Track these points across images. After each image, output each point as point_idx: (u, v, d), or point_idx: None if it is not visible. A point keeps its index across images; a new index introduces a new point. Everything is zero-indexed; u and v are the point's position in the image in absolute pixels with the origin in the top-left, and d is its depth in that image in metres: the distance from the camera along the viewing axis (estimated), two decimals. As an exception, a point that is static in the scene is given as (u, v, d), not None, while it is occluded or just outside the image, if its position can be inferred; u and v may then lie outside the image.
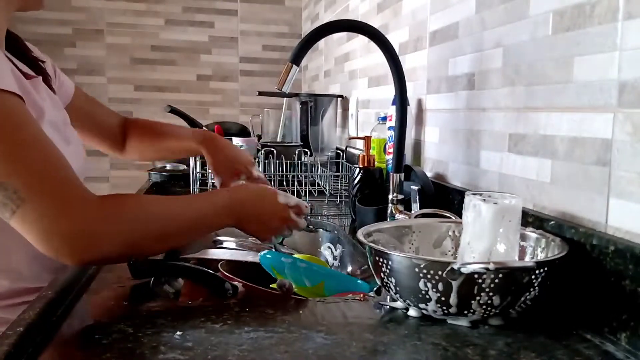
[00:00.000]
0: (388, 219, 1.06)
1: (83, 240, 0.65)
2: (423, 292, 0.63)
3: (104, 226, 0.66)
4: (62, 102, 1.02)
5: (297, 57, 0.97)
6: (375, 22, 1.60)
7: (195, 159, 1.57)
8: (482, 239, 0.69)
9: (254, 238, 0.90)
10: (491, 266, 0.59)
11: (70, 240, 0.64)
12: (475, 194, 0.70)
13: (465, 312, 0.63)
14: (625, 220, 0.63)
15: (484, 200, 0.69)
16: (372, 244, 0.70)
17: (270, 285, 0.90)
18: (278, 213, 0.87)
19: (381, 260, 0.67)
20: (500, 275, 0.60)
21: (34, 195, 0.63)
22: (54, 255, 0.65)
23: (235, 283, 0.81)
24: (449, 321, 0.65)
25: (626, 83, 0.63)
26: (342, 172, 1.61)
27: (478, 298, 0.61)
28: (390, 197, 1.06)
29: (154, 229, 0.72)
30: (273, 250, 1.00)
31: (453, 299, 0.62)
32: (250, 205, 0.85)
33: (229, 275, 0.87)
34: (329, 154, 2.03)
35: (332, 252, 1.25)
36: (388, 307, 0.72)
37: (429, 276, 0.62)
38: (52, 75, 0.98)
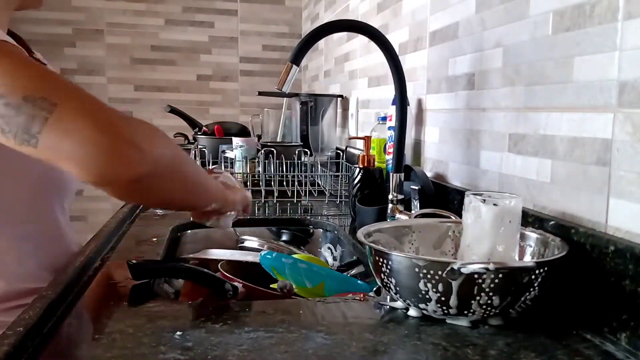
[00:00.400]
0: (388, 219, 1.06)
1: (129, 143, 0.58)
2: (423, 292, 0.63)
3: (147, 139, 0.60)
4: None
5: (297, 57, 0.97)
6: (375, 22, 1.60)
7: (195, 159, 1.57)
8: (482, 242, 0.69)
9: (275, 239, 0.90)
10: (491, 266, 0.59)
11: (117, 140, 0.57)
12: (475, 195, 0.70)
13: (465, 312, 0.63)
14: (625, 220, 0.63)
15: (484, 200, 0.69)
16: (372, 244, 0.70)
17: (271, 286, 0.90)
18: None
19: (381, 260, 0.67)
20: (500, 276, 0.60)
21: (68, 96, 0.57)
22: (99, 170, 0.57)
23: (236, 283, 0.81)
24: (449, 321, 0.65)
25: (626, 83, 0.63)
26: (342, 172, 1.61)
27: (478, 298, 0.61)
28: (390, 197, 1.06)
29: (175, 162, 0.67)
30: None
31: (453, 299, 0.62)
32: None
33: (228, 275, 0.87)
34: (329, 154, 2.03)
35: (332, 253, 1.25)
36: (388, 307, 0.72)
37: (429, 276, 0.62)
38: None
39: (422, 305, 0.65)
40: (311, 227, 1.34)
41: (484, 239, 0.69)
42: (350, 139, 1.85)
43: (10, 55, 0.61)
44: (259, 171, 1.62)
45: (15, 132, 0.56)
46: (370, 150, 1.30)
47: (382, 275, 0.68)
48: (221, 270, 0.90)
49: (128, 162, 0.58)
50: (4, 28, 0.83)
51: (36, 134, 0.56)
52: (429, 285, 0.62)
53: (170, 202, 0.73)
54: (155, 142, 0.62)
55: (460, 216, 0.74)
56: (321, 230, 1.33)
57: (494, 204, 0.68)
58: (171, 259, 1.10)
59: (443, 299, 0.62)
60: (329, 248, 1.27)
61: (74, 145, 0.56)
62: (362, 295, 0.77)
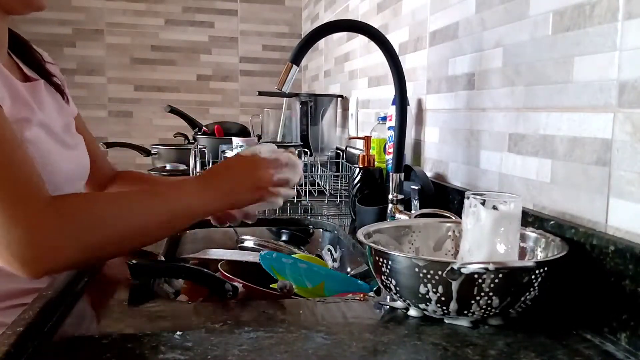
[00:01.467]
0: (388, 219, 1.06)
1: (37, 250, 0.61)
2: (423, 292, 0.63)
3: (58, 234, 0.62)
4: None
5: (297, 57, 0.97)
6: (375, 22, 1.60)
7: (195, 159, 1.57)
8: (482, 246, 0.68)
9: (275, 239, 0.89)
10: (491, 266, 0.59)
11: (24, 251, 0.60)
12: (475, 195, 0.69)
13: (465, 312, 0.63)
14: (625, 220, 0.63)
15: (484, 202, 0.68)
16: (372, 244, 0.70)
17: (271, 286, 0.90)
18: (258, 170, 0.80)
19: (381, 260, 0.67)
20: (500, 276, 0.60)
21: None
22: (10, 268, 0.61)
23: (235, 283, 0.81)
24: (449, 321, 0.65)
25: (626, 83, 0.63)
26: (342, 172, 1.61)
27: (478, 298, 0.61)
28: (390, 197, 1.06)
29: (113, 230, 0.67)
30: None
31: (453, 300, 0.62)
32: (224, 168, 0.81)
33: (229, 275, 0.87)
34: (329, 153, 2.03)
35: (332, 255, 1.25)
36: (388, 307, 0.72)
37: (428, 276, 0.62)
38: (62, 83, 0.97)
39: (422, 306, 0.65)
40: (311, 227, 1.34)
41: (483, 243, 0.68)
42: (350, 138, 1.85)
43: None
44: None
45: None
46: (370, 150, 1.30)
47: (382, 275, 0.68)
48: (221, 270, 0.90)
49: (43, 261, 0.62)
50: (4, 29, 0.83)
51: None
52: (429, 285, 0.62)
53: (126, 249, 0.75)
54: (70, 230, 0.63)
55: (460, 216, 0.74)
56: (321, 230, 1.33)
57: (494, 207, 0.68)
58: (171, 259, 1.10)
59: (443, 299, 0.62)
60: (329, 250, 1.27)
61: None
62: (362, 295, 0.77)
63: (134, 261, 0.77)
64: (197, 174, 0.81)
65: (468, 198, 0.70)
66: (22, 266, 0.61)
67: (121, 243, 0.69)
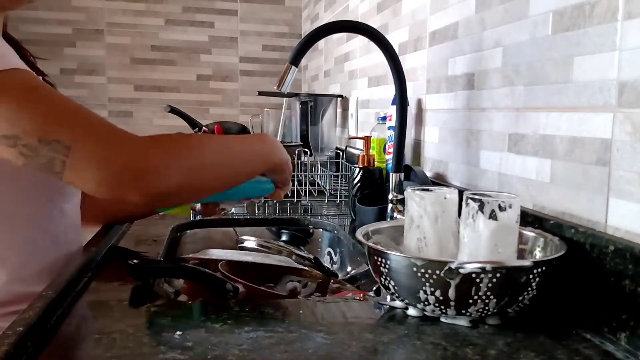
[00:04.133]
0: (388, 219, 1.06)
1: (141, 173, 0.64)
2: (421, 291, 0.63)
3: (160, 158, 0.65)
4: None
5: (296, 58, 0.97)
6: (375, 22, 1.60)
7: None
8: (479, 255, 0.67)
9: (275, 239, 0.88)
10: (488, 266, 0.59)
11: (129, 175, 0.63)
12: (473, 196, 0.69)
13: (464, 311, 0.63)
14: (624, 220, 0.63)
15: (482, 206, 0.67)
16: (371, 244, 0.70)
17: (266, 285, 0.90)
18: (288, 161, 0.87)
19: (380, 260, 0.67)
20: (498, 275, 0.60)
21: (79, 138, 0.63)
22: (118, 195, 0.64)
23: (236, 284, 0.81)
24: (448, 321, 0.66)
25: (626, 83, 0.63)
26: (342, 172, 1.61)
27: (476, 297, 0.61)
28: (390, 196, 1.06)
29: (209, 161, 0.72)
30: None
31: (451, 299, 0.62)
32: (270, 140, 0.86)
33: (229, 275, 0.87)
34: (329, 153, 2.03)
35: (332, 258, 1.25)
36: (388, 306, 0.72)
37: (426, 275, 0.62)
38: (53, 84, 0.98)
39: (421, 305, 0.65)
40: (311, 227, 1.34)
41: (479, 256, 0.67)
42: (350, 138, 1.85)
43: (22, 88, 0.65)
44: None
45: (39, 168, 0.63)
46: (370, 150, 1.30)
47: (381, 275, 0.68)
48: (221, 270, 0.90)
49: (144, 188, 0.64)
50: None
51: (58, 172, 0.63)
52: (427, 284, 0.62)
53: (218, 185, 0.76)
54: (168, 162, 0.66)
55: (459, 215, 0.73)
56: (321, 230, 1.33)
57: (492, 214, 0.67)
58: (171, 259, 1.10)
59: (441, 298, 0.62)
60: (328, 253, 1.27)
61: (93, 185, 0.63)
62: (362, 295, 0.78)
63: (135, 261, 0.77)
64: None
65: (467, 205, 0.69)
66: (128, 191, 0.64)
67: (215, 175, 0.73)
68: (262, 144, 0.83)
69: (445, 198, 0.72)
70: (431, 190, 0.73)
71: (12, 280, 0.82)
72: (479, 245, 0.67)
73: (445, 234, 0.72)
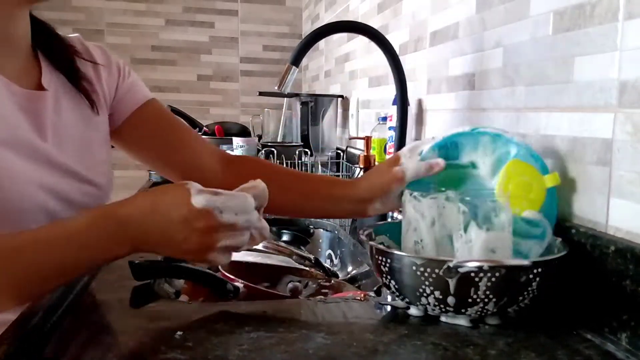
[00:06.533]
0: (389, 219, 1.06)
1: None
2: (421, 290, 0.63)
3: None
4: (126, 110, 0.87)
5: (297, 59, 0.97)
6: (375, 23, 1.60)
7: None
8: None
9: (275, 239, 0.84)
10: (486, 265, 0.59)
11: None
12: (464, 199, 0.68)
13: (463, 310, 0.63)
14: (625, 220, 0.63)
15: (475, 216, 0.67)
16: (373, 243, 0.70)
17: (267, 285, 0.90)
18: (189, 224, 0.57)
19: (381, 259, 0.67)
20: (497, 275, 0.60)
21: None
22: None
23: (237, 284, 0.81)
24: (449, 321, 0.65)
25: (626, 83, 0.63)
26: (342, 172, 1.61)
27: (475, 297, 0.61)
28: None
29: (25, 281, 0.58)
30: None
31: (450, 298, 0.62)
32: (149, 217, 0.59)
33: (229, 275, 0.87)
34: (330, 154, 2.03)
35: (332, 259, 1.25)
36: (389, 306, 0.72)
37: (426, 274, 0.62)
38: (93, 88, 0.83)
39: (421, 304, 0.65)
40: (311, 227, 1.34)
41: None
42: (350, 139, 1.85)
43: None
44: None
45: None
46: (371, 150, 1.30)
47: (382, 274, 0.68)
48: (221, 270, 0.90)
49: None
50: (6, 25, 0.74)
51: None
52: (427, 283, 0.62)
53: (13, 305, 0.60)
54: None
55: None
56: (321, 230, 1.33)
57: (487, 224, 0.66)
58: (172, 259, 1.10)
59: (441, 297, 0.62)
60: (329, 255, 1.26)
61: None
62: (362, 295, 0.78)
63: (136, 261, 0.76)
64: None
65: (464, 214, 0.68)
66: None
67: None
68: (95, 249, 0.59)
69: (442, 201, 0.71)
70: (428, 193, 0.73)
71: None
72: (471, 253, 0.66)
73: (442, 237, 0.71)
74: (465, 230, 0.67)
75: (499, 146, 0.75)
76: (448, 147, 0.78)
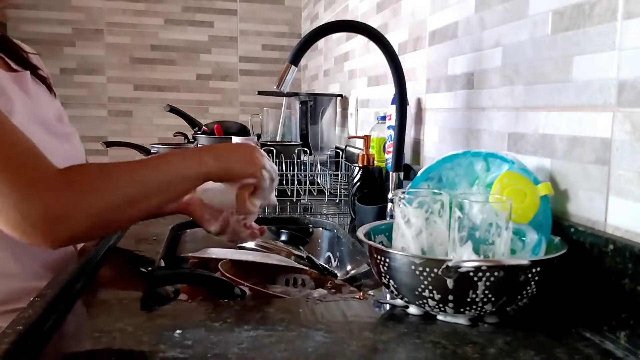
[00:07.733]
0: (387, 218, 1.06)
1: (51, 221, 0.62)
2: (420, 289, 0.63)
3: (70, 205, 0.63)
4: None
5: (296, 58, 0.97)
6: (374, 22, 1.60)
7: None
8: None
9: (274, 238, 0.87)
10: (484, 265, 0.59)
11: (41, 224, 0.61)
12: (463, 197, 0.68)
13: (462, 309, 0.63)
14: (624, 219, 0.63)
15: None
16: (371, 242, 0.70)
17: (266, 284, 0.90)
18: (253, 150, 0.82)
19: (380, 258, 0.67)
20: (496, 274, 0.60)
21: None
22: (25, 239, 0.63)
23: (243, 287, 0.82)
24: (448, 319, 0.66)
25: (625, 82, 0.63)
26: (341, 171, 1.61)
27: (474, 296, 0.61)
28: (389, 195, 1.06)
29: (121, 195, 0.67)
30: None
31: (449, 297, 0.62)
32: (223, 147, 0.81)
33: (229, 276, 0.87)
34: (329, 153, 2.03)
35: (331, 260, 1.25)
36: (388, 305, 0.72)
37: (425, 274, 0.62)
38: (47, 76, 0.97)
39: (420, 303, 0.65)
40: (311, 226, 1.34)
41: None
42: (349, 138, 1.85)
43: None
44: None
45: None
46: (370, 149, 1.30)
47: (381, 273, 0.68)
48: (221, 269, 0.90)
49: (53, 237, 0.63)
50: None
51: None
52: (426, 283, 0.62)
53: (135, 216, 0.71)
54: (76, 208, 0.63)
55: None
56: (321, 229, 1.33)
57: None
58: (171, 259, 1.10)
59: (440, 296, 0.62)
60: (328, 256, 1.26)
61: (7, 222, 0.61)
62: (361, 293, 0.78)
63: (149, 268, 0.77)
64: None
65: (457, 218, 0.67)
66: (39, 237, 0.62)
67: (130, 207, 0.69)
68: (189, 160, 0.75)
69: (430, 206, 0.70)
70: (419, 194, 0.72)
71: (10, 276, 0.82)
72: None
73: (430, 246, 0.70)
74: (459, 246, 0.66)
75: (493, 170, 0.76)
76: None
